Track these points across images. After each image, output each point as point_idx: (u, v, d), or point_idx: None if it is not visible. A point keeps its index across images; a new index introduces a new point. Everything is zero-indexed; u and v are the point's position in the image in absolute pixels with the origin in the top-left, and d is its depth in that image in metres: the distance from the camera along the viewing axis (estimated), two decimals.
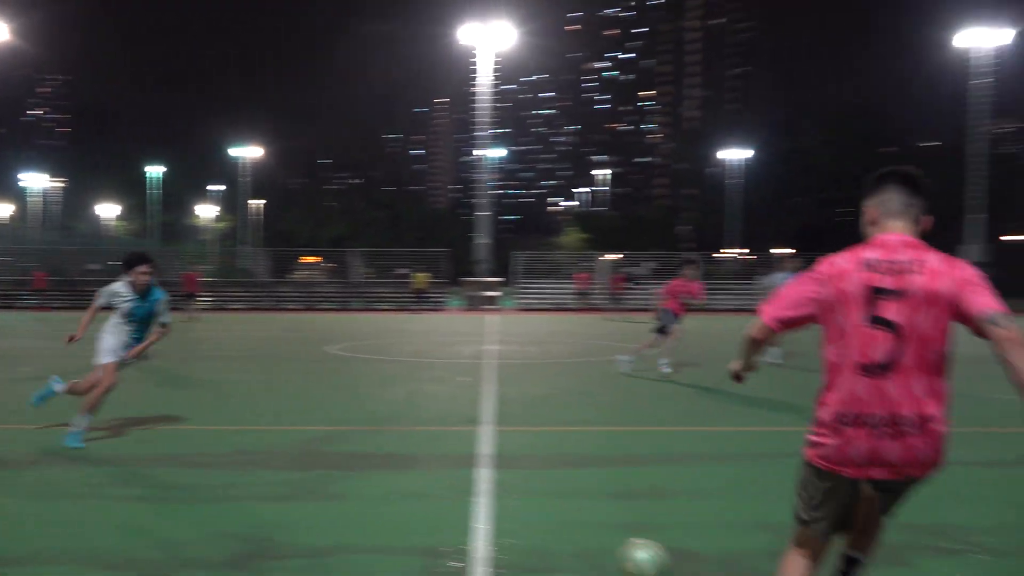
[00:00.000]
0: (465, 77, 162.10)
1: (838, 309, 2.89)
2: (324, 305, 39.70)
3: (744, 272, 48.45)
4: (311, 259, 55.15)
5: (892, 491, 3.01)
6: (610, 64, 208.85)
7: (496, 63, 43.53)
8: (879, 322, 2.81)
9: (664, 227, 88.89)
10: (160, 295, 7.69)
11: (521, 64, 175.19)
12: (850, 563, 3.18)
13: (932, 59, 57.88)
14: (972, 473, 6.70)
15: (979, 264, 13.71)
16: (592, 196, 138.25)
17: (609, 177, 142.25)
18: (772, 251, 52.49)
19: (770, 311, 3.03)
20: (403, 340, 20.33)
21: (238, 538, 4.85)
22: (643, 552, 3.88)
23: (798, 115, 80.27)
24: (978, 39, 40.54)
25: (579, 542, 4.83)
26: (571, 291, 39.55)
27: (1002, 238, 57.42)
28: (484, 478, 6.28)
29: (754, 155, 68.70)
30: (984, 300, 2.72)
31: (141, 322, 7.67)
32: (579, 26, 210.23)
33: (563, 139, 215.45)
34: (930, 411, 2.77)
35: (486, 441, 7.67)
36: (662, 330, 13.36)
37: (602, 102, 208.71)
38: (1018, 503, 5.87)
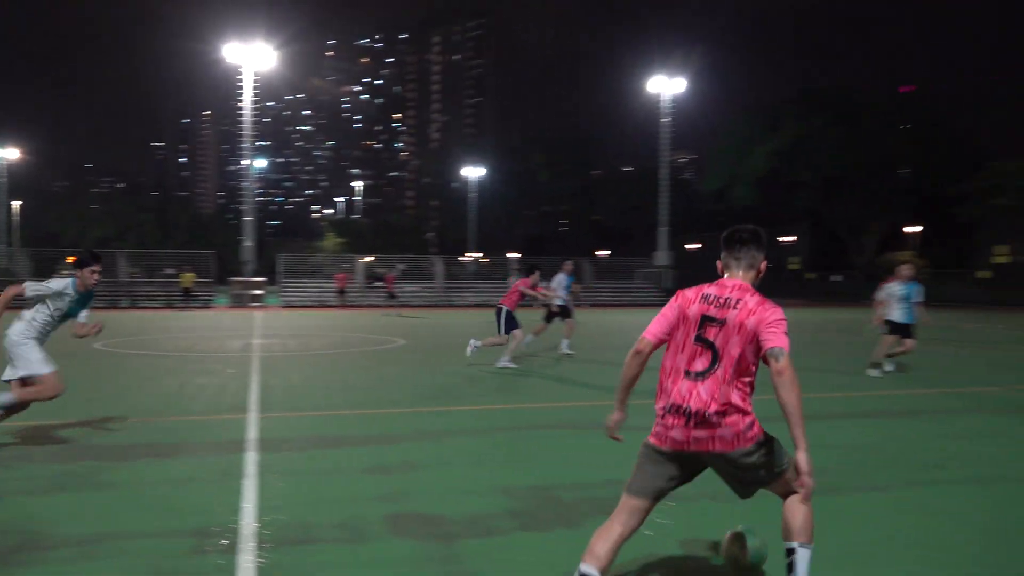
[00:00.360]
0: (230, 91, 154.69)
1: (681, 328, 3.35)
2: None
3: (482, 273, 49.86)
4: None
5: (712, 464, 3.33)
6: (363, 88, 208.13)
7: (258, 81, 41.76)
8: (702, 341, 3.27)
9: (413, 233, 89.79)
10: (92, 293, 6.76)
11: (285, 82, 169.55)
12: (789, 552, 3.27)
13: (632, 99, 62.41)
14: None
15: (666, 266, 14.81)
16: (349, 205, 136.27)
17: (362, 188, 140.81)
18: (507, 255, 54.33)
19: (651, 330, 3.45)
20: (171, 336, 19.03)
21: (4, 532, 4.33)
22: (753, 539, 3.74)
23: (525, 140, 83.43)
24: (663, 86, 44.28)
25: (338, 514, 4.74)
26: (331, 290, 38.87)
27: (685, 246, 62.84)
28: (250, 461, 6.02)
29: (489, 173, 70.70)
30: (773, 339, 3.14)
31: (63, 321, 6.67)
32: (334, 53, 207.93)
33: (321, 153, 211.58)
34: (729, 408, 3.17)
35: (252, 427, 7.36)
36: (513, 326, 12.35)
37: (357, 122, 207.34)
38: None
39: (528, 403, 9.10)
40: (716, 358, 3.24)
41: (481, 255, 60.18)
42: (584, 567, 3.25)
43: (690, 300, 3.38)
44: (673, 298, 3.48)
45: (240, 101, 40.85)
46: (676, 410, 3.25)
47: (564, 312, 13.86)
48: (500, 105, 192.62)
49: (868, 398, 9.64)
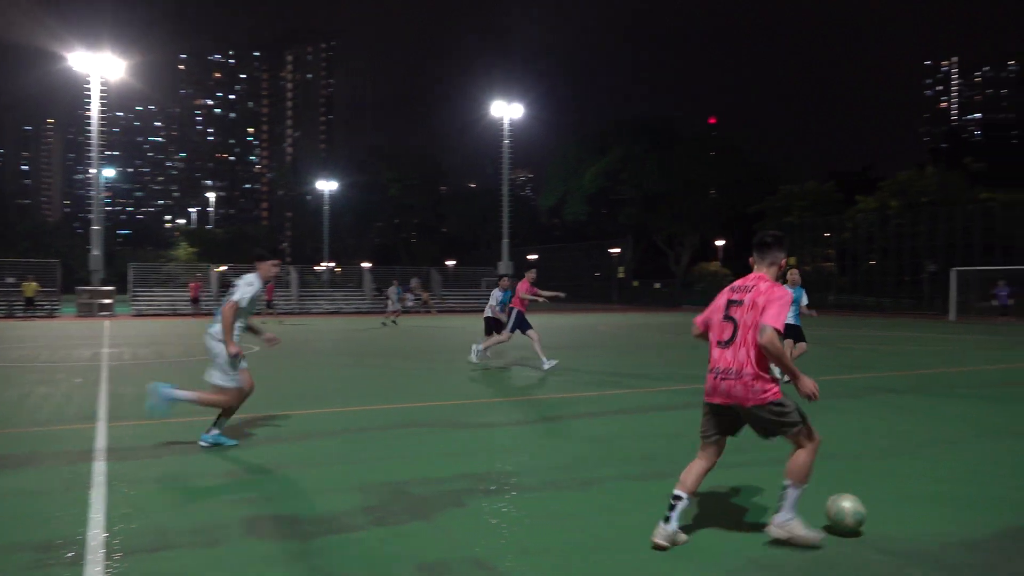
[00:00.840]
0: (77, 100, 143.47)
1: (716, 313, 4.12)
2: None
3: (335, 282, 48.67)
4: None
5: (737, 413, 4.01)
6: (216, 103, 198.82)
7: (106, 90, 38.90)
8: (727, 319, 4.01)
9: (267, 243, 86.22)
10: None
11: (135, 93, 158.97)
12: (784, 488, 3.94)
13: (478, 120, 62.92)
14: (513, 431, 7.32)
15: (505, 275, 14.75)
16: (202, 215, 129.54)
17: (215, 199, 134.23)
18: (360, 264, 53.31)
19: (697, 319, 4.23)
20: (14, 346, 17.33)
21: None
22: (851, 502, 4.12)
23: (376, 157, 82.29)
24: (504, 110, 44.90)
25: (193, 519, 4.44)
26: (185, 298, 36.74)
27: (526, 256, 63.96)
28: (99, 471, 5.54)
29: (341, 187, 69.24)
30: (766, 317, 3.84)
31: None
32: (185, 67, 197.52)
33: (173, 164, 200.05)
34: (744, 369, 3.87)
35: (101, 436, 6.79)
36: (524, 328, 12.23)
37: (211, 134, 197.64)
38: (541, 450, 6.50)
39: (385, 404, 8.93)
40: (736, 330, 3.96)
41: (335, 264, 58.80)
42: (676, 491, 3.96)
43: (723, 292, 4.18)
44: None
45: (88, 110, 37.90)
46: (711, 371, 4.02)
47: (498, 326, 13.16)
48: (352, 123, 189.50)
49: (685, 391, 10.11)
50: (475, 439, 6.90)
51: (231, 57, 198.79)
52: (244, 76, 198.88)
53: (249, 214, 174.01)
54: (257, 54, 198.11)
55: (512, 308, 12.42)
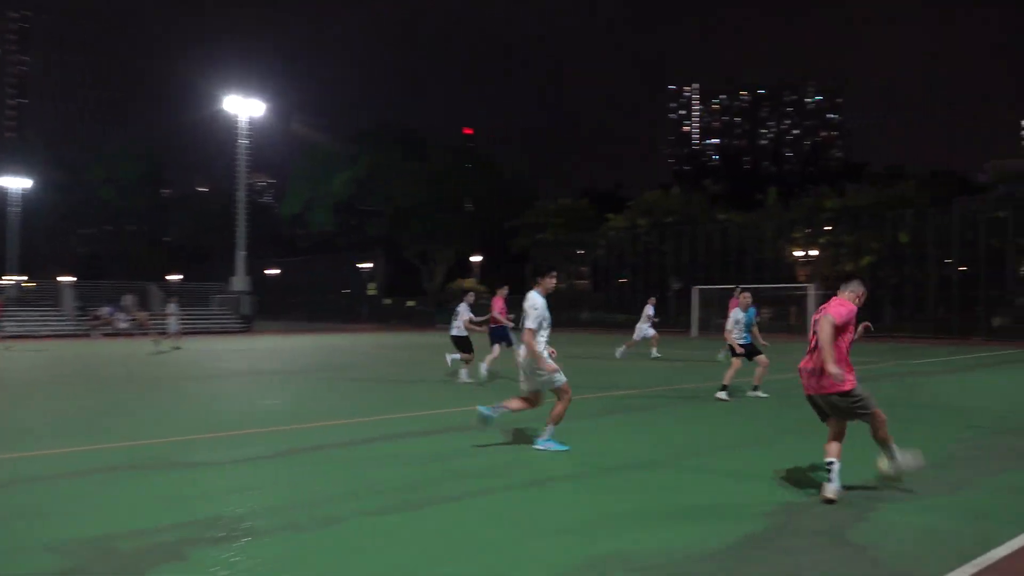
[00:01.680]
0: None
1: (811, 329, 5.97)
2: None
3: (26, 300, 43.47)
4: None
5: (824, 401, 5.85)
6: None
7: None
8: (813, 332, 5.84)
9: None
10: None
11: None
12: (829, 464, 5.72)
13: (210, 117, 59.42)
14: (245, 468, 6.93)
15: (245, 292, 14.33)
16: None
17: None
18: (58, 279, 48.16)
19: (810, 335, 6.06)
20: None
21: None
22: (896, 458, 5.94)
23: (82, 152, 75.14)
24: (241, 107, 42.88)
25: None
26: None
27: (265, 271, 61.59)
28: None
29: (35, 185, 62.22)
30: (832, 313, 5.72)
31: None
32: None
33: None
34: (822, 368, 5.67)
35: None
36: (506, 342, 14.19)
37: None
38: (277, 488, 6.22)
39: (88, 445, 8.07)
40: (816, 340, 5.77)
41: (25, 278, 52.73)
42: (828, 459, 5.73)
43: (815, 314, 5.98)
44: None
45: None
46: (801, 371, 5.94)
47: (465, 343, 14.32)
48: (50, 110, 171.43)
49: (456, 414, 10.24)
50: (199, 480, 6.47)
51: None
52: None
53: None
54: None
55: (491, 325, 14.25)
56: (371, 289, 61.14)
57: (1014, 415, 10.35)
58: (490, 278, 62.55)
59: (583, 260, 53.22)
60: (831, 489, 5.56)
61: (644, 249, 48.33)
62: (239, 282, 42.08)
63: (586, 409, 10.32)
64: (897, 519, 5.22)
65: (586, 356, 21.11)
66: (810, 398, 5.94)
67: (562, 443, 7.51)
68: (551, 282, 7.55)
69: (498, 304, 14.22)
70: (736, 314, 12.17)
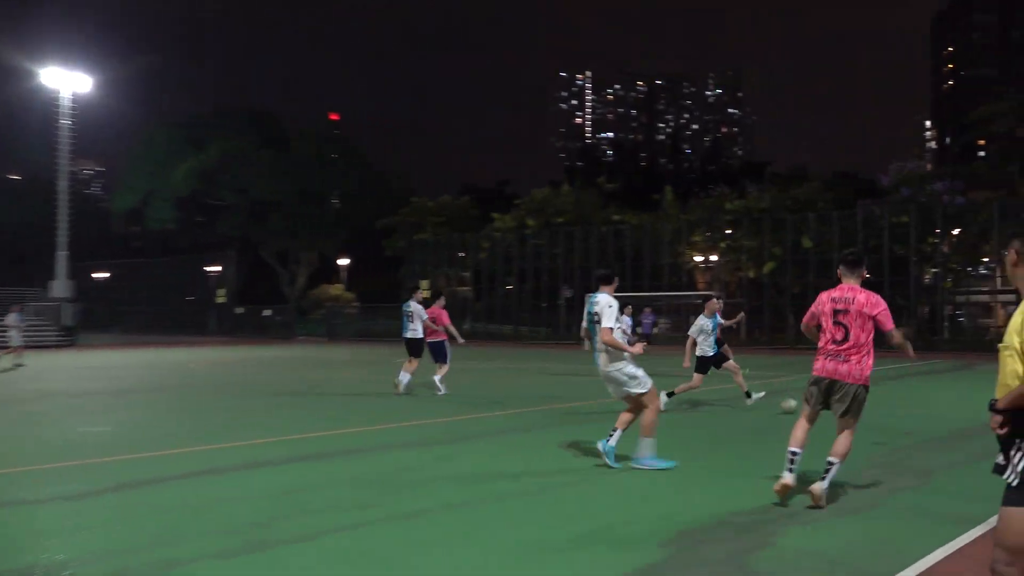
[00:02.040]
0: None
1: (822, 318, 6.58)
2: None
3: None
4: None
5: (838, 390, 6.45)
6: None
7: None
8: (838, 324, 6.42)
9: None
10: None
11: None
12: (829, 463, 6.36)
13: (22, 92, 56.01)
14: (70, 506, 6.59)
15: (67, 299, 13.73)
16: None
17: None
18: None
19: (804, 319, 6.81)
20: None
21: None
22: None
23: None
24: (63, 81, 40.79)
25: None
26: None
27: (92, 275, 58.84)
28: None
29: None
30: (887, 324, 6.40)
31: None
32: None
33: None
34: (854, 357, 6.41)
35: None
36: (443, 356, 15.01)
37: None
38: (109, 528, 5.94)
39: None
40: (847, 333, 6.37)
41: None
42: (792, 448, 6.43)
43: (823, 301, 6.58)
44: (813, 303, 6.73)
45: None
46: (824, 355, 6.51)
47: (419, 348, 15.26)
48: None
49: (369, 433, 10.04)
50: (11, 521, 6.10)
51: None
52: None
53: None
54: None
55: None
56: (220, 296, 59.26)
57: (920, 430, 11.00)
58: (358, 283, 61.91)
59: (464, 264, 53.25)
60: (789, 476, 6.41)
61: (533, 252, 48.83)
62: (60, 287, 39.94)
63: (471, 430, 10.32)
64: (802, 545, 5.45)
65: (474, 370, 21.17)
66: (818, 382, 6.53)
67: (667, 459, 7.79)
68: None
69: (445, 316, 15.11)
70: (701, 321, 12.44)
